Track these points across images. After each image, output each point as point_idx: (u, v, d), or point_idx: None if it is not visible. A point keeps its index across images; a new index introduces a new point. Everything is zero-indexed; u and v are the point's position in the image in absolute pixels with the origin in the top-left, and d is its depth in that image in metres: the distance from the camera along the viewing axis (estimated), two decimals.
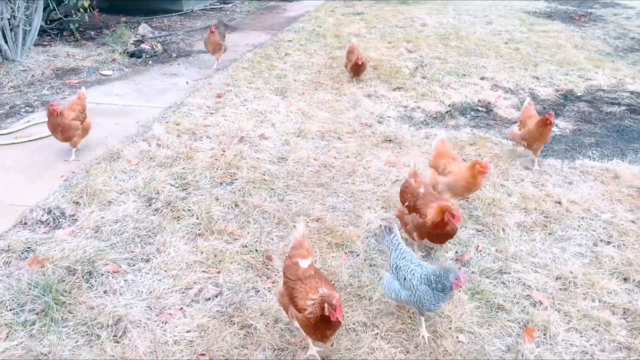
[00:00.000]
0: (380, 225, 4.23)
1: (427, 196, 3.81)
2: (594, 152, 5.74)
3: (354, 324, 3.27)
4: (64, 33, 9.81)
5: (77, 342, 3.07)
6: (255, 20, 12.01)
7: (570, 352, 3.12)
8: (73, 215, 4.30)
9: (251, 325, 3.22)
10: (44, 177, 4.91)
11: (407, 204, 3.89)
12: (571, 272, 3.75)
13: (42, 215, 4.27)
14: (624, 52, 9.62)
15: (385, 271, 3.63)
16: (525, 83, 7.86)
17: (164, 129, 5.75)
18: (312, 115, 6.39)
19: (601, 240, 4.13)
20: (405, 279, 3.10)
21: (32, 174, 4.98)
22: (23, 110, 6.54)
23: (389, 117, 6.49)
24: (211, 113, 6.34)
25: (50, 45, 9.16)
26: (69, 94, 7.03)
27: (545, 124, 5.06)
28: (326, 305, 2.71)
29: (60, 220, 4.26)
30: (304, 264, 3.00)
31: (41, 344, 3.03)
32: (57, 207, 4.35)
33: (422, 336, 3.17)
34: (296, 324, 2.94)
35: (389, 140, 5.84)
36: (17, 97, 6.92)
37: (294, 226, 4.13)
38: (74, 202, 4.44)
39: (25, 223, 4.20)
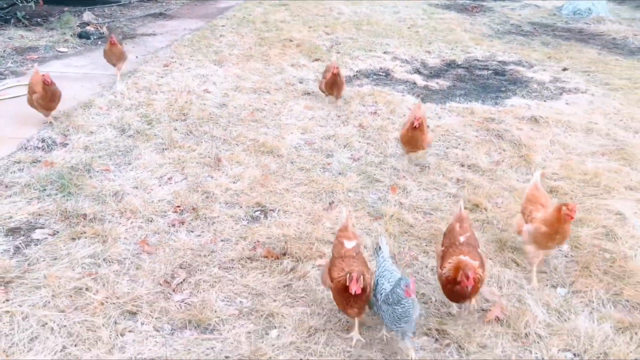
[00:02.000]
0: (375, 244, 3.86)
1: (461, 247, 3.40)
2: (461, 99, 7.63)
3: (280, 190, 4.87)
4: (12, 21, 10.74)
5: (89, 204, 4.46)
6: (190, 10, 13.33)
7: (417, 199, 4.85)
8: (63, 142, 5.61)
9: (210, 192, 4.74)
10: (32, 122, 6.10)
11: (443, 248, 3.53)
12: (428, 161, 5.52)
13: (39, 143, 5.54)
14: (502, 34, 11.78)
15: None
16: (419, 55, 9.74)
17: (124, 86, 7.09)
18: (245, 77, 7.92)
19: (452, 146, 5.95)
20: (376, 297, 3.08)
21: (20, 120, 6.15)
22: None
23: (308, 79, 8.11)
24: (162, 77, 7.73)
25: (3, 29, 10.11)
26: (32, 67, 8.13)
27: (412, 127, 5.07)
28: (348, 275, 2.98)
29: (53, 146, 5.54)
30: (348, 245, 3.33)
31: (64, 205, 4.39)
32: (50, 137, 5.63)
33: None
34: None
35: (308, 93, 7.47)
36: None
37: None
38: (62, 134, 5.74)
39: (26, 148, 5.46)
